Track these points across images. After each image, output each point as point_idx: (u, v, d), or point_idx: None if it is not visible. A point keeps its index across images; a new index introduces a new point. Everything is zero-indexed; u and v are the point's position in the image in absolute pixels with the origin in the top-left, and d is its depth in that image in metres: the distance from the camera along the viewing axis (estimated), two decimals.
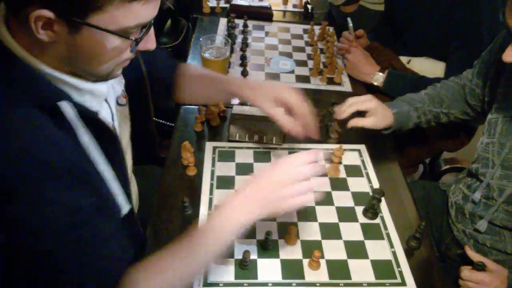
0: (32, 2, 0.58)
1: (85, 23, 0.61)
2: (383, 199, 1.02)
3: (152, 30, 0.72)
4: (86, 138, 0.69)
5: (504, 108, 1.00)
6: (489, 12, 1.29)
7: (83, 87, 0.71)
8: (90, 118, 0.70)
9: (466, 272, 0.95)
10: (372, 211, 0.99)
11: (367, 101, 1.10)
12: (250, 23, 1.71)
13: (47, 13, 0.58)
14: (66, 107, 0.65)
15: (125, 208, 0.81)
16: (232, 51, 1.52)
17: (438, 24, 1.39)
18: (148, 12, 0.66)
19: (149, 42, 0.72)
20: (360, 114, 1.11)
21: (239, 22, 1.67)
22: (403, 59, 1.54)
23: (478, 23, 1.30)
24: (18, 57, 0.64)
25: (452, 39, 1.37)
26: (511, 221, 0.99)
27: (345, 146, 1.13)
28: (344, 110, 1.09)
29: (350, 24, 1.52)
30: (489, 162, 1.02)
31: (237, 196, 0.76)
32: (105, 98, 0.81)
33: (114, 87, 0.88)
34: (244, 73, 1.41)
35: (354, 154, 1.17)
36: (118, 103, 0.91)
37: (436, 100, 1.18)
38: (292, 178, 0.75)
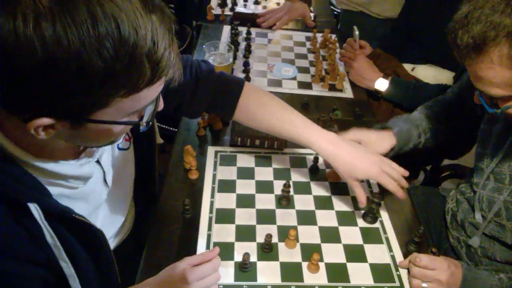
0: (35, 116, 0.54)
1: (90, 120, 0.58)
2: (382, 203, 1.04)
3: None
4: (49, 240, 0.64)
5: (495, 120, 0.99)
6: None
7: (65, 173, 0.68)
8: (61, 218, 0.65)
9: (416, 254, 0.89)
10: (371, 215, 1.00)
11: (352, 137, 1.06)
12: (253, 31, 1.74)
13: (48, 121, 0.55)
14: (33, 209, 0.61)
15: None
16: (235, 58, 1.54)
17: None
18: (156, 90, 0.61)
19: (158, 106, 0.68)
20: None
21: (243, 29, 1.70)
22: (407, 66, 1.55)
23: None
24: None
25: None
26: (500, 232, 0.97)
27: None
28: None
29: (356, 32, 1.53)
30: (484, 173, 1.01)
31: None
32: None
33: None
34: (247, 79, 1.43)
35: None
36: (119, 148, 0.88)
37: (433, 117, 1.16)
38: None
